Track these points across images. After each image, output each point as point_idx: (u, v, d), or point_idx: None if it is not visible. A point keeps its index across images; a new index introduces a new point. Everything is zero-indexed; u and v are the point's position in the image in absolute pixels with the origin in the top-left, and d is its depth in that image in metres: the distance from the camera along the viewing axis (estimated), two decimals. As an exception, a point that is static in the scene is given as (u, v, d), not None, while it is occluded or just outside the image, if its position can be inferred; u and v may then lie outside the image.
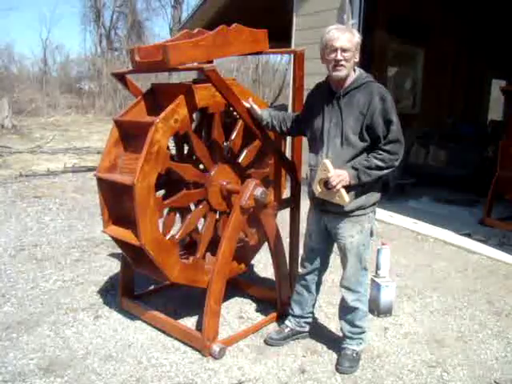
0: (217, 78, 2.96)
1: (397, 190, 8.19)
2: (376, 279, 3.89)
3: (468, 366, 3.23)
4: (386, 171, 2.84)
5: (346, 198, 2.82)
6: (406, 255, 5.33)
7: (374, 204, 3.03)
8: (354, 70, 2.93)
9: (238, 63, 24.35)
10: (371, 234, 3.11)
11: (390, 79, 10.24)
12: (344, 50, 2.81)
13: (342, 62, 2.82)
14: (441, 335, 3.62)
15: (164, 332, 3.49)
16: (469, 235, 6.00)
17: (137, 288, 3.93)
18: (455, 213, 7.27)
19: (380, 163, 2.80)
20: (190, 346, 3.32)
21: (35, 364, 3.11)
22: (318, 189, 2.93)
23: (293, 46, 7.99)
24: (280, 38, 7.01)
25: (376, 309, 3.85)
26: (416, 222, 6.59)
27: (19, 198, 7.35)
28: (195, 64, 3.15)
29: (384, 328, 3.71)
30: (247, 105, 3.26)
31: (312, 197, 3.09)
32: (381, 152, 2.80)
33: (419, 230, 6.25)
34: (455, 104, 10.91)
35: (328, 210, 3.01)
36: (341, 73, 2.85)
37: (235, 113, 3.27)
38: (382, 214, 6.96)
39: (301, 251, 3.86)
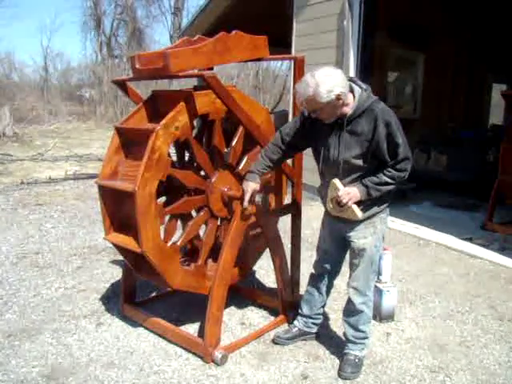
0: (217, 84, 2.97)
1: (398, 195, 8.13)
2: (378, 284, 3.88)
3: (471, 371, 3.22)
4: (394, 186, 2.89)
5: (358, 213, 2.89)
6: (407, 260, 5.33)
7: (386, 208, 3.06)
8: (353, 93, 2.85)
9: (238, 70, 24.40)
10: (383, 238, 3.14)
11: (391, 84, 10.26)
12: (314, 111, 2.83)
13: (320, 117, 2.87)
14: (443, 340, 3.62)
15: (166, 339, 3.49)
16: (470, 240, 6.00)
17: (139, 295, 3.93)
18: (456, 217, 7.27)
19: (389, 180, 2.84)
20: (192, 353, 3.31)
21: (37, 372, 3.10)
22: (330, 206, 3.02)
23: (293, 52, 8.02)
24: (280, 44, 7.04)
25: (378, 314, 3.84)
26: (417, 227, 6.58)
27: (21, 206, 7.37)
28: (196, 71, 3.16)
29: (386, 333, 3.70)
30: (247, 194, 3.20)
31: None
32: (390, 169, 2.83)
33: (420, 235, 6.25)
34: (456, 108, 10.91)
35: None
36: (329, 121, 2.89)
37: (236, 119, 3.27)
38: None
39: (302, 256, 3.90)
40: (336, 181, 2.91)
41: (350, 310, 3.20)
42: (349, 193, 2.85)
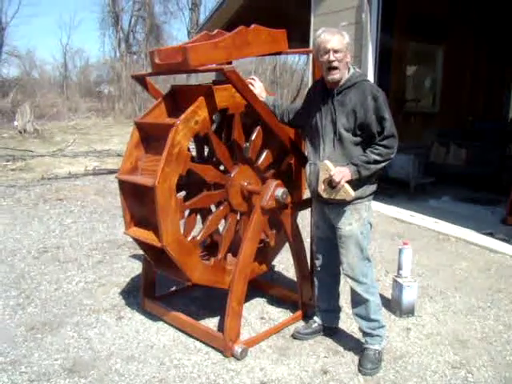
0: (237, 78, 2.97)
1: (417, 189, 8.14)
2: (398, 279, 3.87)
3: (493, 368, 3.18)
4: (383, 164, 2.98)
5: (351, 192, 2.94)
6: (427, 255, 5.28)
7: (370, 194, 3.13)
8: (348, 70, 3.01)
9: (255, 64, 24.37)
10: (370, 226, 3.17)
11: (410, 78, 10.17)
12: (336, 51, 2.91)
13: (335, 64, 2.92)
14: (464, 336, 3.58)
15: (186, 333, 3.50)
16: (491, 234, 5.92)
17: (158, 289, 3.95)
18: (476, 212, 7.18)
19: (378, 157, 2.93)
20: (212, 347, 3.32)
21: (59, 364, 3.14)
22: (322, 189, 3.02)
23: (311, 46, 7.97)
24: (298, 38, 7.00)
25: (398, 309, 3.82)
26: (437, 222, 6.52)
27: (42, 201, 7.45)
28: (215, 65, 3.16)
29: (406, 328, 3.68)
30: (252, 88, 3.27)
31: (315, 194, 3.15)
32: (377, 147, 2.94)
33: (440, 230, 6.19)
34: (475, 102, 10.77)
35: (327, 201, 3.07)
36: (335, 76, 2.96)
37: (255, 113, 3.26)
38: (402, 213, 6.92)
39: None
40: (327, 162, 2.97)
41: (355, 301, 3.22)
42: (341, 171, 2.91)
